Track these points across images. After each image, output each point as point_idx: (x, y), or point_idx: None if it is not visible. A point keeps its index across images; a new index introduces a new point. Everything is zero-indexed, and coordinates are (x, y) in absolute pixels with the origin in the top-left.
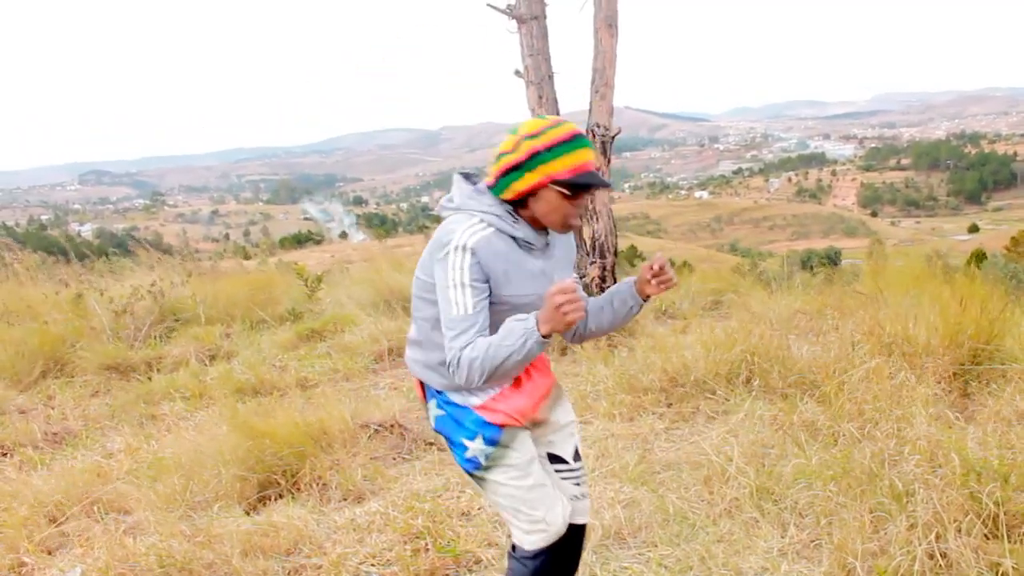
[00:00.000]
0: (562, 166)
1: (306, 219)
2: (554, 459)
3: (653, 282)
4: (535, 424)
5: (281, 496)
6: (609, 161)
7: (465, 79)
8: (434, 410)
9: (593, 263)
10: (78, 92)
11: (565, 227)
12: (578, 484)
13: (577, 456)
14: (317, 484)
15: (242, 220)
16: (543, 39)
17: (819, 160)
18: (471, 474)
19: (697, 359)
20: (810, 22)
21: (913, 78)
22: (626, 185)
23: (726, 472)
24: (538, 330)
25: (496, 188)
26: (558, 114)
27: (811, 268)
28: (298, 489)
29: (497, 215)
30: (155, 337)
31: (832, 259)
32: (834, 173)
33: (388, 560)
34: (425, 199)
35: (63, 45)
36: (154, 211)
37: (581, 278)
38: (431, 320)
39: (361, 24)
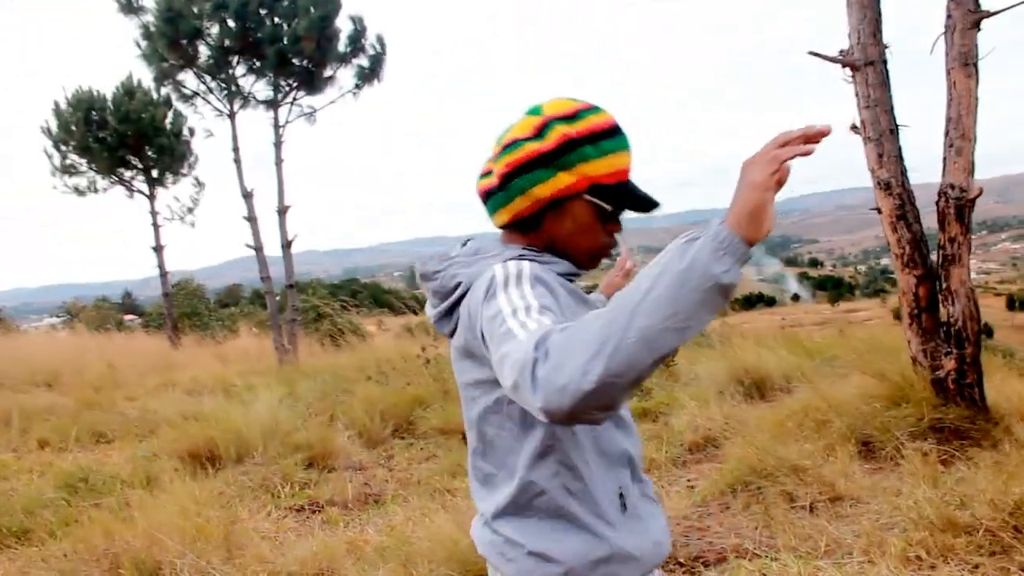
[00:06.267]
0: (607, 167)
1: (760, 280)
2: None
3: None
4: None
5: None
6: (967, 232)
7: None
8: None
9: (948, 354)
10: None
11: (593, 260)
12: None
13: None
14: None
15: None
16: (881, 87)
17: None
18: None
19: None
20: None
21: None
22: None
23: None
24: (729, 229)
25: (499, 198)
26: (904, 174)
27: None
28: None
29: (531, 255)
30: None
31: None
32: None
33: None
34: (885, 261)
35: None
36: None
37: (935, 371)
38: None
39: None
